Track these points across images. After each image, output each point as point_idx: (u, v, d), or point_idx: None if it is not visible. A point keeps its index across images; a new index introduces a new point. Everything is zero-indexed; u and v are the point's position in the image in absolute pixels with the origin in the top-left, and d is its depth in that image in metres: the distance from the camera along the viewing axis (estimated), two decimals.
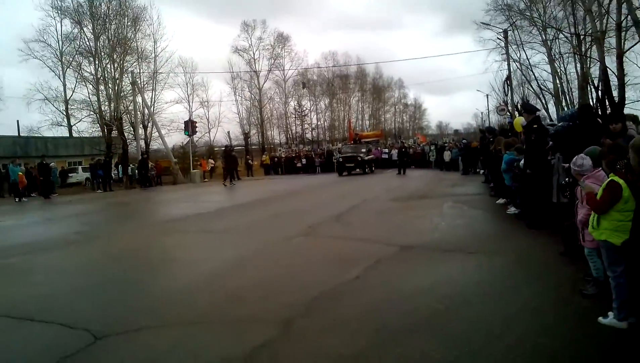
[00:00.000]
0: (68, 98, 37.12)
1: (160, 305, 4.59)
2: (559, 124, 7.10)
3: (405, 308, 4.15)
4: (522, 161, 7.99)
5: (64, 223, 12.09)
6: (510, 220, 8.77)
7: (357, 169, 28.15)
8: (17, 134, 39.81)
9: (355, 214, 10.49)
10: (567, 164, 5.33)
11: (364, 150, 29.86)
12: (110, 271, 6.36)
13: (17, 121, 41.27)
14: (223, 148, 31.55)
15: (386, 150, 37.68)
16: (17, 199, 21.11)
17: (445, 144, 31.14)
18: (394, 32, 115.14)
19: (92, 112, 32.81)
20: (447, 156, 28.02)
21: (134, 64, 33.54)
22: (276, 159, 41.35)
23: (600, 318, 3.67)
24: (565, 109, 31.04)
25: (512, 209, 9.34)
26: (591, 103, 26.23)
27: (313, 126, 65.96)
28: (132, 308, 4.55)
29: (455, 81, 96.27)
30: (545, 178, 7.22)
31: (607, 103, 20.91)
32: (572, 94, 31.59)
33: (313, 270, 5.71)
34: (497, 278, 5.17)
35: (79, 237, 9.18)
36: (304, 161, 38.37)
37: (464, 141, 27.95)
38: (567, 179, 5.37)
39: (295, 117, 63.45)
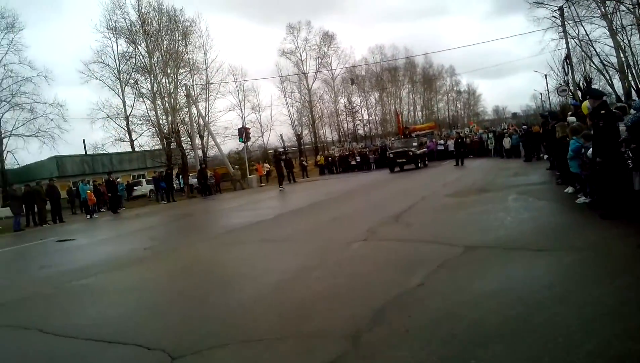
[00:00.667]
0: (128, 114, 39.17)
1: (228, 322, 4.68)
2: (633, 114, 6.61)
3: (475, 316, 3.99)
4: (590, 149, 7.54)
5: (133, 239, 12.63)
6: (580, 211, 8.27)
7: (411, 164, 27.65)
8: (84, 153, 42.39)
9: (414, 214, 10.30)
10: None
11: (415, 144, 29.16)
12: (178, 288, 6.55)
13: (83, 140, 44.25)
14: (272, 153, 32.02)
15: (441, 141, 36.91)
16: (88, 216, 22.63)
17: (504, 131, 30.00)
18: (442, 19, 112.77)
19: (151, 127, 34.43)
20: (507, 142, 26.98)
21: (187, 76, 34.88)
22: (330, 158, 41.56)
23: None
24: (632, 83, 29.28)
25: (582, 199, 8.81)
26: None
27: (364, 121, 65.73)
28: (202, 325, 4.65)
29: (510, 63, 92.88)
30: (619, 165, 6.77)
31: None
32: (638, 67, 29.78)
33: (376, 277, 5.62)
34: (571, 278, 4.84)
35: (147, 253, 9.53)
36: (358, 158, 38.38)
37: (524, 126, 26.89)
38: None
39: (346, 114, 63.50)
